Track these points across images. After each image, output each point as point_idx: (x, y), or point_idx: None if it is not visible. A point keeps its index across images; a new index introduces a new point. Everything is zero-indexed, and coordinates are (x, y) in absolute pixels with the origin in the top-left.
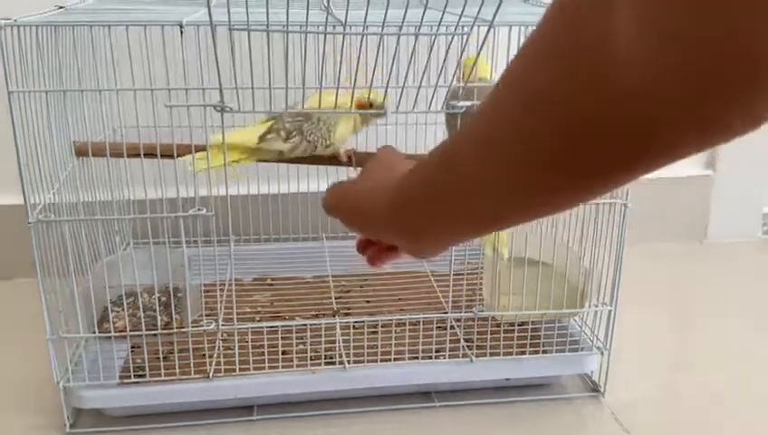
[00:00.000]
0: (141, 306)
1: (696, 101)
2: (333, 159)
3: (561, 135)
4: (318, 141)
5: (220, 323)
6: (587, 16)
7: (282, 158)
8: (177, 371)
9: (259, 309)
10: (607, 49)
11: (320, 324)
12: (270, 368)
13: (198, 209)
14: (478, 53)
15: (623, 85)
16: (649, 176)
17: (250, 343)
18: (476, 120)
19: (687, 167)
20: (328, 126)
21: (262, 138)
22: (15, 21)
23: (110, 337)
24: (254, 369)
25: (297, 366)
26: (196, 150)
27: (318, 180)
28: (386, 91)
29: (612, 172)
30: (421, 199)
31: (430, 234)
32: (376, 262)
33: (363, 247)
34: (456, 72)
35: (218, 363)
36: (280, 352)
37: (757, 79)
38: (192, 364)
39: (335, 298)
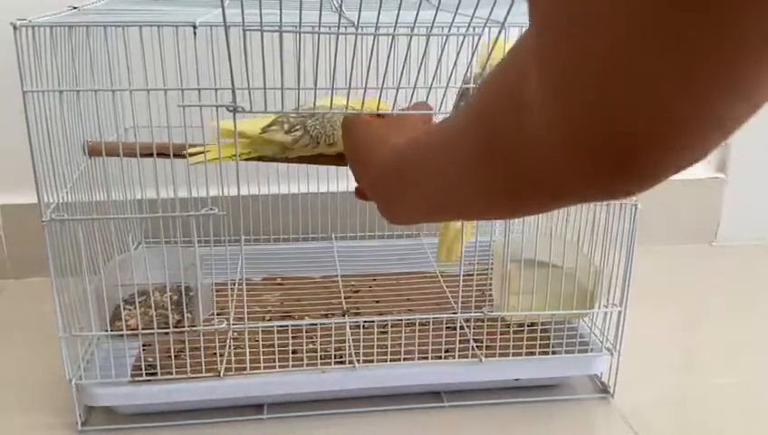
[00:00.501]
0: (153, 305)
1: (579, 160)
2: (339, 159)
3: (489, 157)
4: (321, 138)
5: (231, 321)
6: (514, 82)
7: (285, 154)
8: (189, 369)
9: (269, 308)
10: (524, 109)
11: (330, 324)
12: (280, 367)
13: (210, 209)
14: (489, 54)
15: (532, 132)
16: None
17: (260, 342)
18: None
19: (699, 170)
20: (332, 124)
21: (264, 129)
22: (30, 21)
23: (122, 335)
24: (265, 368)
25: (307, 365)
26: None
27: (327, 182)
28: (396, 94)
29: (531, 199)
30: (398, 173)
31: (399, 205)
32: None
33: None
34: (466, 72)
35: (229, 362)
36: (290, 352)
37: (628, 154)
38: (203, 363)
39: (344, 298)
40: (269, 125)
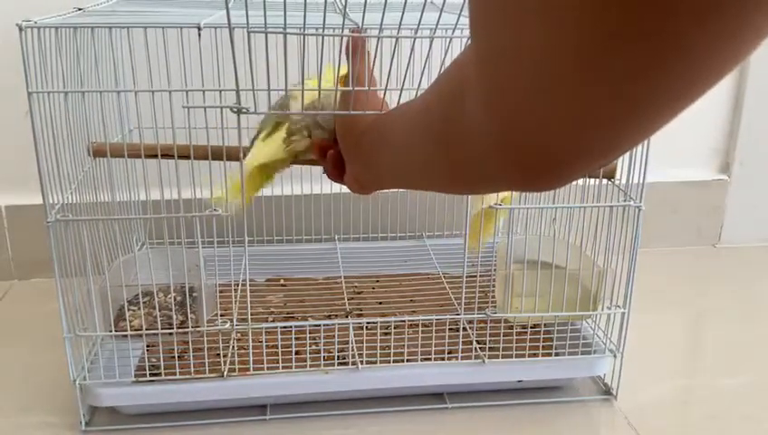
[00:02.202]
0: (157, 305)
1: (509, 162)
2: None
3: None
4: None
5: (234, 322)
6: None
7: (296, 159)
8: (192, 370)
9: (272, 309)
10: (466, 106)
11: (333, 325)
12: (283, 368)
13: (213, 210)
14: None
15: (471, 128)
16: (663, 179)
17: (264, 343)
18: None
19: (702, 171)
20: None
21: (287, 144)
22: (36, 23)
23: (125, 336)
24: (268, 369)
25: (310, 366)
26: (213, 155)
27: (331, 183)
28: (399, 95)
29: (473, 181)
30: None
31: (375, 170)
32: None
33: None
34: None
35: (232, 363)
36: (293, 353)
37: (544, 161)
38: (206, 363)
39: (348, 299)
40: (288, 137)
